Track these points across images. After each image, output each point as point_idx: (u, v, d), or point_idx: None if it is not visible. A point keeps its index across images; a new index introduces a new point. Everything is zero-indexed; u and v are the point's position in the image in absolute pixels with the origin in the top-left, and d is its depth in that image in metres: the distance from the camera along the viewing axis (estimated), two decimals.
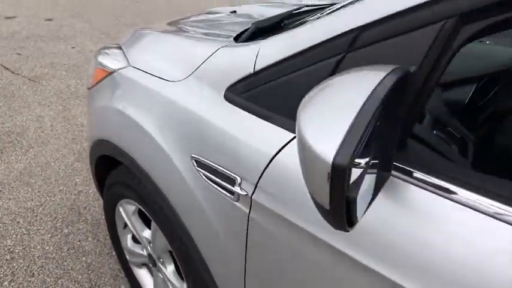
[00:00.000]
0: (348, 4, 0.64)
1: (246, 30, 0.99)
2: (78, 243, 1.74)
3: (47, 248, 1.70)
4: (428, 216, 0.52)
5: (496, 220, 0.47)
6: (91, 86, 1.28)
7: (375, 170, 0.48)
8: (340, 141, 0.38)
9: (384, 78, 0.43)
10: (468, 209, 0.49)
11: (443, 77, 0.51)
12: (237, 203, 0.75)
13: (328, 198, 0.40)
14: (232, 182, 0.74)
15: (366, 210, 0.48)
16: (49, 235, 1.77)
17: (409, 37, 0.51)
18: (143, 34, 1.21)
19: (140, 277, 1.43)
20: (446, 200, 0.51)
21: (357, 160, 0.39)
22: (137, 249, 1.36)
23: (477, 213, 0.49)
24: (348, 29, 0.59)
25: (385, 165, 0.51)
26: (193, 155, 0.82)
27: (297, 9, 1.17)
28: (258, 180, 0.69)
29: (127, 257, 1.44)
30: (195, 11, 1.87)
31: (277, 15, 1.01)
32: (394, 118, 0.49)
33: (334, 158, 0.37)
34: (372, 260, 0.55)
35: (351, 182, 0.39)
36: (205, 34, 1.17)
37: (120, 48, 1.22)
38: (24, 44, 4.11)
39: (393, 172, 0.55)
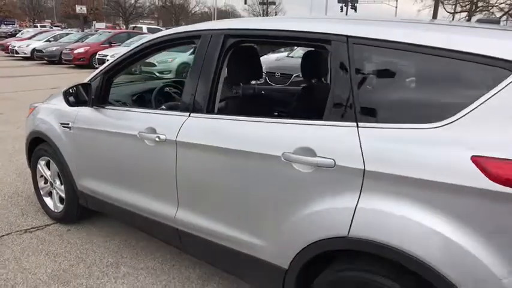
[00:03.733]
0: None
1: None
2: (16, 201, 3.39)
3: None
4: (113, 118, 2.43)
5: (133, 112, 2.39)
6: (28, 115, 3.13)
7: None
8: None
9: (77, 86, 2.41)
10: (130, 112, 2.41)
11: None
12: (70, 130, 2.62)
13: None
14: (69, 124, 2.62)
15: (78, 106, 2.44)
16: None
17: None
18: (53, 94, 3.13)
19: (47, 201, 3.14)
20: (121, 111, 2.41)
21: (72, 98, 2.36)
22: (45, 185, 3.11)
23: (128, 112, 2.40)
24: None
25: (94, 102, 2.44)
26: (60, 122, 2.70)
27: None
28: (75, 120, 2.58)
29: (41, 193, 3.16)
30: None
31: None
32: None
33: (64, 90, 2.34)
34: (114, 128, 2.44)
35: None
36: None
37: (42, 102, 3.11)
38: None
39: (102, 106, 2.46)
